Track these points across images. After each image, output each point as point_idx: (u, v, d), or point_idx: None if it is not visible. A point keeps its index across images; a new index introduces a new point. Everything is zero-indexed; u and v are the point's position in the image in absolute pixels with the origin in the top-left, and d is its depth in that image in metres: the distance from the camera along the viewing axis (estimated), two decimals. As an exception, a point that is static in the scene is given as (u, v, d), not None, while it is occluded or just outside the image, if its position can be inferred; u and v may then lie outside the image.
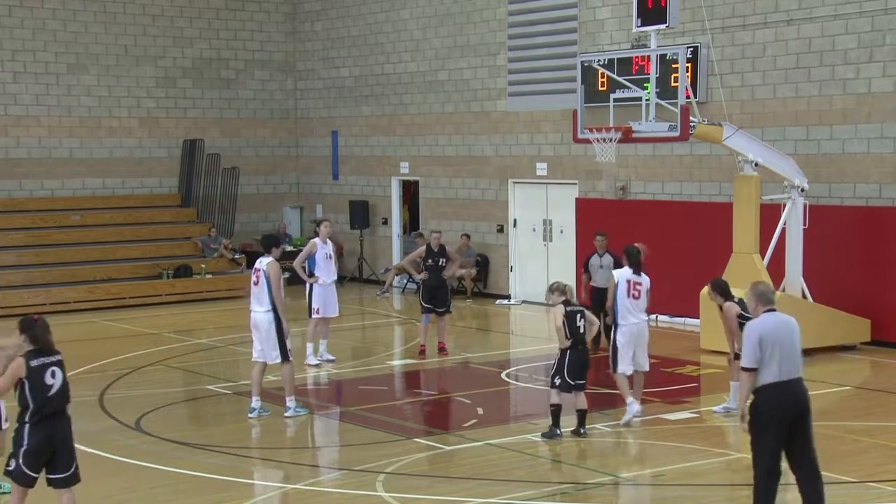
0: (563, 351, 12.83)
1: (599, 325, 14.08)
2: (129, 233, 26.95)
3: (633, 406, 13.42)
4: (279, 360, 14.09)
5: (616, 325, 13.68)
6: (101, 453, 12.47)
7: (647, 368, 13.85)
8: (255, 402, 14.20)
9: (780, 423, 9.14)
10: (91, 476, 11.68)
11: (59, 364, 9.26)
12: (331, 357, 17.80)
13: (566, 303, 12.88)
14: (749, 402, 9.31)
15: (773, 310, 9.50)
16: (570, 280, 16.54)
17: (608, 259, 18.02)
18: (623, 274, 13.85)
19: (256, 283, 14.16)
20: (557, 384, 12.81)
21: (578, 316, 12.83)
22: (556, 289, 13.01)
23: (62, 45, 27.01)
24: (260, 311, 14.10)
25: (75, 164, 27.34)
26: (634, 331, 13.64)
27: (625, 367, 13.61)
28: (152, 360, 18.31)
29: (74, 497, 9.21)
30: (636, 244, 14.25)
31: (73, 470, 9.17)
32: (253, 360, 14.35)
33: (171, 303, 25.02)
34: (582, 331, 12.82)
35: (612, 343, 13.71)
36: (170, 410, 14.85)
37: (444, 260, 18.22)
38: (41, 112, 26.88)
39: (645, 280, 13.87)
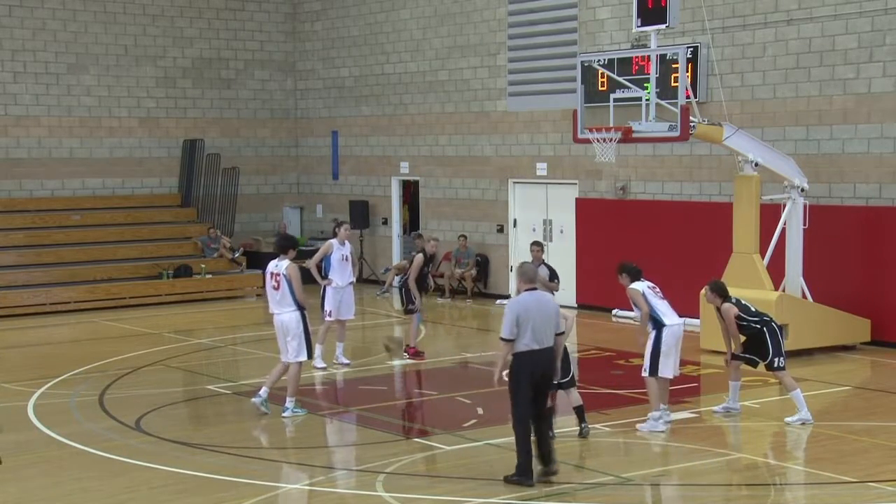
0: None
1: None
2: (129, 233, 26.94)
3: None
4: (305, 357, 14.07)
5: None
6: (101, 453, 12.48)
7: None
8: (264, 391, 14.11)
9: (531, 382, 11.01)
10: (91, 476, 11.74)
11: None
12: (346, 360, 17.58)
13: None
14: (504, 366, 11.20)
15: (534, 289, 11.22)
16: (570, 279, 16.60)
17: (544, 270, 16.97)
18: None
19: (277, 288, 13.95)
20: None
21: None
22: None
23: (62, 45, 27.01)
24: (287, 312, 13.98)
25: (75, 164, 27.34)
26: None
27: None
28: (152, 360, 18.31)
29: None
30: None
31: None
32: (281, 360, 14.24)
33: (171, 303, 25.01)
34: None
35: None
36: (170, 410, 14.85)
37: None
38: (41, 112, 26.88)
39: None
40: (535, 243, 18.06)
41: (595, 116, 18.81)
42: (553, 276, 16.93)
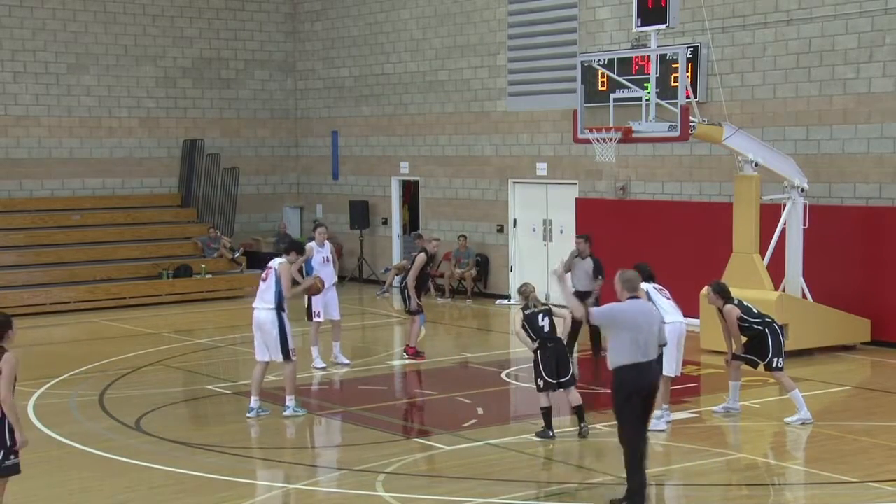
0: (534, 353, 12.91)
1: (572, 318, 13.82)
2: (129, 233, 26.94)
3: None
4: (282, 358, 14.08)
5: None
6: (101, 453, 12.49)
7: None
8: (254, 401, 14.21)
9: (639, 397, 10.31)
10: (91, 476, 11.75)
11: None
12: (346, 360, 17.59)
13: (525, 307, 13.08)
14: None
15: (637, 297, 10.55)
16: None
17: (589, 263, 17.67)
18: None
19: (265, 280, 14.18)
20: (541, 386, 12.89)
21: (541, 316, 12.91)
22: (520, 292, 13.40)
23: (62, 45, 27.02)
24: (263, 309, 14.08)
25: (75, 164, 27.35)
26: None
27: None
28: (152, 360, 18.31)
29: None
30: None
31: None
32: (256, 360, 14.30)
33: (171, 303, 25.02)
34: (547, 329, 12.85)
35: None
36: (170, 410, 14.85)
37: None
38: (41, 112, 26.88)
39: None
40: (581, 236, 18.15)
41: (595, 116, 18.81)
42: (598, 270, 17.27)
